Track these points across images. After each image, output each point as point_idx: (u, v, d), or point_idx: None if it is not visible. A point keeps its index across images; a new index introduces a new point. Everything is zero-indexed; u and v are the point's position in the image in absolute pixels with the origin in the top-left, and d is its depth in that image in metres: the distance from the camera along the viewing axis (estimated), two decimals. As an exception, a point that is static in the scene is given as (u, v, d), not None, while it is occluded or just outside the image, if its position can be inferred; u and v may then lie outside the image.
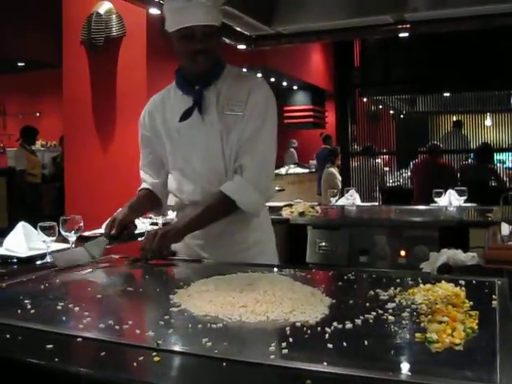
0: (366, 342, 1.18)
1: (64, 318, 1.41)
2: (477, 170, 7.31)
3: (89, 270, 2.03)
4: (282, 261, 3.74)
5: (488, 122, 10.58)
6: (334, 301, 1.50)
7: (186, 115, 2.21)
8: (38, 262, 2.29)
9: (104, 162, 5.68)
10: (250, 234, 2.29)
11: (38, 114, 12.53)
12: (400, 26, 3.79)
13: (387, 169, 9.93)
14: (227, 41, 4.10)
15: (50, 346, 1.20)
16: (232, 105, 2.21)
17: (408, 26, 3.76)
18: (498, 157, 10.41)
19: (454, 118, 10.83)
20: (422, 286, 1.59)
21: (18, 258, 2.34)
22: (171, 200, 2.41)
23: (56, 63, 6.41)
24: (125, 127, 5.57)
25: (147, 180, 2.47)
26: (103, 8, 5.50)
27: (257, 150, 2.20)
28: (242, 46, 4.30)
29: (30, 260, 2.33)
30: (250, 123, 2.19)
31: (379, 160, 9.45)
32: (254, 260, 2.18)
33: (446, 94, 10.80)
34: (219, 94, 2.23)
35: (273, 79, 9.69)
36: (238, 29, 4.01)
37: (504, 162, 10.51)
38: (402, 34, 4.04)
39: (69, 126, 5.97)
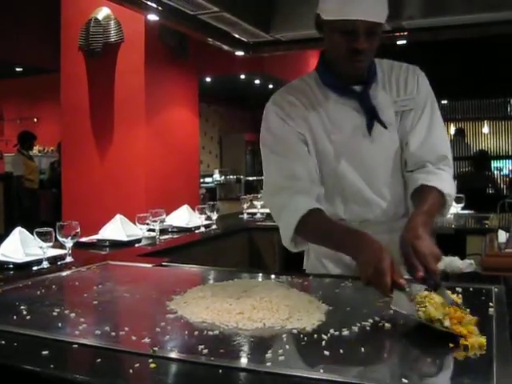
0: (362, 350, 1.18)
1: (60, 325, 1.41)
2: (474, 178, 7.32)
3: (85, 276, 2.02)
4: (279, 268, 3.75)
5: (485, 129, 10.61)
6: (330, 308, 1.50)
7: (371, 128, 1.90)
8: (35, 268, 2.28)
9: (101, 168, 5.68)
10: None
11: (35, 120, 12.50)
12: (398, 34, 3.80)
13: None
14: (225, 47, 4.11)
15: (46, 352, 1.20)
16: (403, 100, 1.93)
17: (405, 33, 3.77)
18: (495, 164, 10.44)
19: (452, 126, 10.86)
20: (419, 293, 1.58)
21: (14, 263, 2.34)
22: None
23: (54, 69, 6.41)
24: (122, 133, 5.58)
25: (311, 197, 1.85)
26: (102, 14, 5.50)
27: (443, 138, 1.98)
28: (240, 53, 4.31)
29: (27, 266, 2.32)
30: (427, 114, 1.95)
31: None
32: None
33: (444, 102, 10.83)
34: (385, 92, 1.94)
35: (271, 85, 9.70)
36: (237, 35, 4.02)
37: (501, 170, 10.53)
38: (399, 42, 4.06)
39: (66, 132, 5.97)
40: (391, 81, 1.97)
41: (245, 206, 4.29)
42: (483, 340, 1.20)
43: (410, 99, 1.95)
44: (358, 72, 1.88)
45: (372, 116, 1.90)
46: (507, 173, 10.46)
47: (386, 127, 1.90)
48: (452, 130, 10.69)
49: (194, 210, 3.68)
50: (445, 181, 1.87)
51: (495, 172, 10.23)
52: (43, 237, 2.27)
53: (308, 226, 1.78)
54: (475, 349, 1.17)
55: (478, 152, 8.78)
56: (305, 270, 2.16)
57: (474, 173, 7.52)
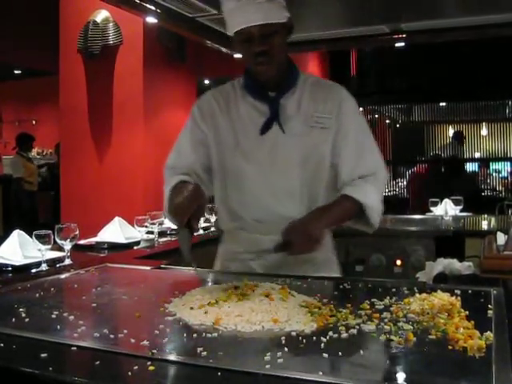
0: (361, 352, 1.18)
1: (58, 327, 1.40)
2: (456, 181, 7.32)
3: (83, 278, 2.02)
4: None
5: (484, 131, 10.61)
6: (329, 310, 1.50)
7: (266, 127, 2.01)
8: (33, 271, 2.28)
9: (100, 171, 5.67)
10: (319, 252, 2.03)
11: (34, 122, 12.52)
12: (396, 36, 3.80)
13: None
14: (224, 50, 4.11)
15: (45, 354, 1.20)
16: (318, 117, 2.02)
17: (404, 35, 3.77)
18: (493, 166, 10.45)
19: (450, 128, 10.86)
20: (417, 295, 1.59)
21: (12, 266, 2.33)
22: (223, 221, 2.19)
23: (53, 71, 6.41)
24: (121, 135, 5.57)
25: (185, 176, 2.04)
26: (100, 16, 5.50)
27: (371, 162, 2.06)
28: (238, 55, 4.31)
29: (25, 268, 2.32)
30: (352, 135, 2.04)
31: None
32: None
33: (442, 104, 10.83)
34: (299, 103, 2.04)
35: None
36: (235, 38, 4.02)
37: (500, 172, 10.53)
38: (397, 44, 4.06)
39: (65, 134, 5.97)
40: (313, 95, 2.07)
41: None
42: (482, 343, 1.20)
43: (328, 118, 2.04)
44: (264, 74, 1.99)
45: (272, 117, 2.02)
46: (506, 175, 10.45)
47: (283, 131, 2.01)
48: (450, 132, 10.70)
49: (192, 212, 3.66)
50: (366, 192, 1.99)
51: (493, 174, 10.24)
52: (42, 239, 2.27)
53: (172, 194, 1.87)
54: (474, 351, 1.18)
55: (449, 157, 8.89)
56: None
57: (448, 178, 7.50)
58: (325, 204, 2.01)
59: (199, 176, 2.09)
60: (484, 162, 10.27)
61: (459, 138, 9.75)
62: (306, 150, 2.02)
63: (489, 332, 1.27)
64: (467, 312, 1.42)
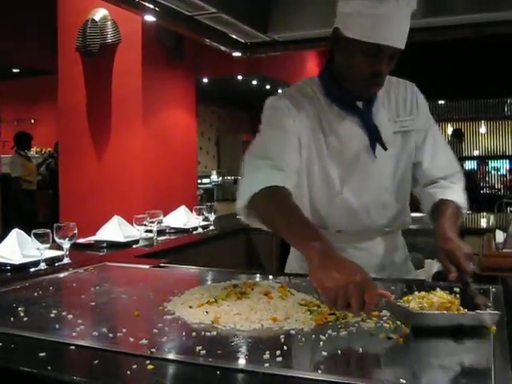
0: (360, 350, 1.18)
1: (57, 326, 1.40)
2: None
3: (82, 277, 2.02)
4: (276, 268, 3.74)
5: (483, 129, 10.62)
6: (328, 308, 1.49)
7: (373, 147, 1.87)
8: (32, 270, 2.27)
9: (99, 169, 5.67)
10: (397, 253, 2.07)
11: (32, 121, 12.49)
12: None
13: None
14: (222, 48, 4.11)
15: (43, 353, 1.20)
16: (402, 121, 1.93)
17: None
18: (492, 164, 10.46)
19: (449, 126, 10.87)
20: (416, 293, 1.58)
21: (11, 265, 2.33)
22: None
23: (51, 70, 6.41)
24: (120, 134, 5.57)
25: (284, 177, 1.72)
26: (98, 15, 5.50)
27: (451, 156, 2.03)
28: (237, 54, 4.30)
29: (24, 267, 2.32)
30: (430, 134, 1.99)
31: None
32: None
33: (441, 102, 10.84)
34: (384, 111, 1.92)
35: (268, 86, 9.70)
36: (234, 36, 4.02)
37: (498, 170, 10.55)
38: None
39: (64, 133, 5.96)
40: (390, 98, 1.94)
41: (242, 206, 4.28)
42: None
43: (410, 120, 1.94)
44: (372, 94, 1.86)
45: (375, 136, 1.88)
46: (504, 173, 10.47)
47: (386, 148, 1.88)
48: (449, 130, 10.71)
49: (191, 210, 3.67)
50: (459, 194, 1.94)
51: (492, 172, 10.26)
52: (40, 238, 2.27)
53: (266, 198, 1.64)
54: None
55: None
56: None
57: None
58: (443, 214, 1.83)
59: (295, 164, 1.84)
60: (483, 160, 10.28)
61: (458, 135, 9.76)
62: (396, 158, 1.94)
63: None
64: (466, 310, 1.42)
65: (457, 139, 9.64)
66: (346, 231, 1.96)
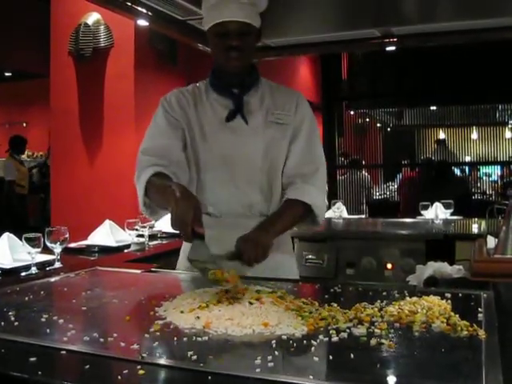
0: (352, 356, 1.18)
1: (48, 331, 1.39)
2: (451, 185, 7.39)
3: (73, 282, 2.01)
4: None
5: (474, 135, 10.66)
6: (320, 314, 1.50)
7: (231, 116, 2.14)
8: (23, 274, 2.27)
9: (91, 173, 5.65)
10: (276, 255, 2.08)
11: (24, 125, 12.47)
12: (387, 40, 3.81)
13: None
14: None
15: (34, 358, 1.19)
16: (278, 114, 2.17)
17: (395, 39, 3.78)
18: (484, 170, 10.49)
19: (441, 132, 10.91)
20: (408, 298, 1.59)
21: (2, 269, 2.32)
22: None
23: (43, 73, 6.39)
24: (112, 138, 5.56)
25: (159, 165, 2.06)
26: (91, 19, 5.49)
27: (316, 159, 2.20)
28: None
29: (15, 271, 2.31)
30: (304, 133, 2.19)
31: (366, 173, 9.48)
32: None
33: (433, 108, 10.87)
34: (262, 100, 2.19)
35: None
36: (226, 41, 4.02)
37: (490, 175, 10.58)
38: (388, 48, 4.07)
39: (56, 137, 5.94)
40: (273, 95, 2.22)
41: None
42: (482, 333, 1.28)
43: (286, 115, 2.18)
44: (233, 68, 2.09)
45: (236, 110, 2.13)
46: (496, 178, 10.50)
47: (247, 122, 2.13)
48: (441, 135, 10.75)
49: (183, 215, 3.66)
50: (309, 193, 2.10)
51: (484, 178, 10.30)
52: (31, 242, 2.26)
53: (151, 189, 1.98)
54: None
55: (440, 160, 9.05)
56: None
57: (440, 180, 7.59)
58: (275, 211, 2.12)
59: (178, 159, 2.12)
60: (474, 166, 10.32)
61: (441, 142, 9.90)
62: (266, 142, 2.13)
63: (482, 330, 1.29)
64: (457, 315, 1.43)
65: (441, 146, 9.77)
66: (222, 212, 2.13)
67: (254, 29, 2.06)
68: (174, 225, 1.71)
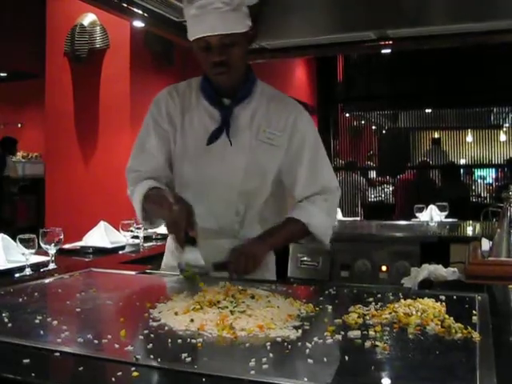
0: (346, 358, 1.18)
1: (42, 332, 1.39)
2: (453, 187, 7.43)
3: (68, 283, 2.01)
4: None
5: (469, 138, 10.68)
6: (314, 315, 1.49)
7: (213, 137, 2.02)
8: (17, 275, 2.26)
9: (86, 175, 5.65)
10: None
11: (19, 125, 12.43)
12: (382, 43, 3.81)
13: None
14: (211, 54, 4.10)
15: (27, 360, 1.18)
16: (270, 133, 2.05)
17: (390, 42, 3.79)
18: (478, 173, 10.52)
19: (436, 134, 10.93)
20: (402, 301, 1.59)
21: (-4, 270, 2.31)
22: None
23: (39, 74, 6.38)
24: (107, 139, 5.55)
25: (151, 178, 2.09)
26: (87, 20, 5.49)
27: (323, 181, 2.13)
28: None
29: (9, 273, 2.30)
30: (306, 157, 2.09)
31: (361, 177, 9.50)
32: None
33: (428, 111, 10.89)
34: (254, 115, 2.06)
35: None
36: (222, 43, 4.02)
37: (485, 178, 10.61)
38: (384, 50, 4.08)
39: (51, 138, 5.93)
40: (268, 109, 2.08)
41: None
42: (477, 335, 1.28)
43: (279, 136, 2.06)
44: (221, 84, 2.01)
45: (222, 128, 2.03)
46: (490, 181, 10.53)
47: (230, 144, 2.02)
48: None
49: (178, 217, 3.66)
50: (311, 213, 2.07)
51: (478, 181, 10.32)
52: (26, 243, 2.25)
53: (146, 200, 2.00)
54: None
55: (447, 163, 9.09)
56: (290, 278, 2.20)
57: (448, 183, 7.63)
58: (273, 226, 2.08)
59: (167, 177, 2.12)
60: (469, 169, 10.34)
61: (437, 142, 9.93)
62: (250, 164, 2.04)
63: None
64: (452, 318, 1.43)
65: (436, 146, 9.81)
66: (209, 229, 2.04)
67: (239, 37, 1.91)
68: (168, 228, 1.77)
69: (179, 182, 2.12)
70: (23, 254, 2.27)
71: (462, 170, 10.02)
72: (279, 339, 1.30)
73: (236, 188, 2.05)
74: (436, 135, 10.89)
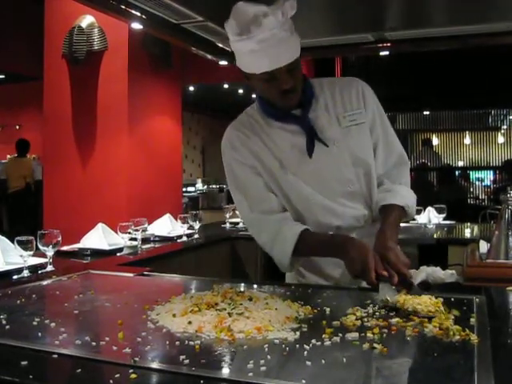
0: (344, 360, 1.18)
1: (40, 334, 1.39)
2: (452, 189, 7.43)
3: (66, 285, 2.01)
4: (261, 277, 3.74)
5: (467, 140, 10.70)
6: (312, 318, 1.49)
7: (311, 148, 1.96)
8: (15, 277, 2.26)
9: (83, 177, 5.65)
10: None
11: (17, 127, 12.42)
12: (380, 45, 3.82)
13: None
14: (209, 56, 4.11)
15: (25, 362, 1.18)
16: (350, 115, 2.01)
17: (388, 44, 3.79)
18: (476, 175, 10.53)
19: (434, 136, 10.94)
20: (403, 295, 1.60)
21: (-6, 272, 2.31)
22: None
23: (37, 76, 6.38)
24: (105, 141, 5.55)
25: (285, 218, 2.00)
26: (85, 22, 5.49)
27: (396, 150, 2.10)
28: (223, 62, 4.30)
29: (7, 274, 2.30)
30: (379, 127, 2.06)
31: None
32: None
33: (426, 113, 10.90)
34: (327, 109, 2.01)
35: (254, 95, 9.73)
36: (220, 45, 4.02)
37: (483, 180, 10.62)
38: (382, 53, 4.08)
39: (49, 140, 5.93)
40: (335, 97, 2.04)
41: (227, 215, 4.31)
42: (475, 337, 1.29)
43: (358, 114, 2.03)
44: (293, 104, 1.95)
45: (312, 137, 1.97)
46: (488, 183, 10.54)
47: (327, 145, 1.97)
48: (434, 140, 10.78)
49: (176, 219, 3.66)
50: (402, 195, 2.03)
51: (476, 183, 10.33)
52: (24, 245, 2.25)
53: (301, 249, 1.91)
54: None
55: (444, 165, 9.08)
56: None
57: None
58: (386, 220, 1.96)
59: (279, 203, 2.03)
60: (467, 171, 10.35)
61: (428, 143, 9.92)
62: (351, 153, 1.99)
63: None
64: (451, 314, 1.44)
65: (427, 147, 9.81)
66: (331, 227, 2.01)
67: (298, 58, 1.85)
68: (354, 272, 1.72)
69: (288, 199, 2.02)
70: (21, 255, 2.27)
71: (459, 172, 10.02)
72: (277, 341, 1.31)
73: (351, 180, 2.01)
74: (434, 138, 10.89)
